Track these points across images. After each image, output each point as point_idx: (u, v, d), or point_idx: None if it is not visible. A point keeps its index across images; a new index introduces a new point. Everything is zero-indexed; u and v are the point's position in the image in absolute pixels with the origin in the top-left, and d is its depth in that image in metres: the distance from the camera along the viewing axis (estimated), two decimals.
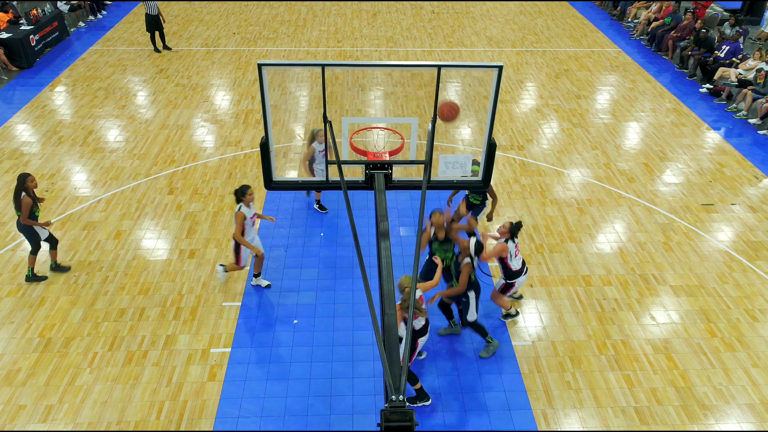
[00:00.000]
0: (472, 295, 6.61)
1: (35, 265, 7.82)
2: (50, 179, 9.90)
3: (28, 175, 7.37)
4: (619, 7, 18.84)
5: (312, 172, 8.65)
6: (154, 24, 14.86)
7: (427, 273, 7.09)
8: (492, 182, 9.96)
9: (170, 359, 6.77)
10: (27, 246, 8.39)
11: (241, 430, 6.04)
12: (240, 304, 7.55)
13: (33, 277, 7.82)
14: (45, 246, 7.87)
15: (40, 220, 7.86)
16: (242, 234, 7.15)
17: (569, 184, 10.14)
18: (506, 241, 6.72)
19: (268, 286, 7.79)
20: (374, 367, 6.76)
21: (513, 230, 6.70)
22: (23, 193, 7.34)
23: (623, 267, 8.33)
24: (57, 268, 7.99)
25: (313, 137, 8.51)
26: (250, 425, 6.08)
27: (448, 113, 5.24)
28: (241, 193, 7.07)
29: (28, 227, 7.54)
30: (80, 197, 9.48)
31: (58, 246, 8.10)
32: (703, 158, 11.04)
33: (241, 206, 7.09)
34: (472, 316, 6.67)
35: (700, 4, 16.51)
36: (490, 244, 6.91)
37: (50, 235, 7.85)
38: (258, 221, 8.05)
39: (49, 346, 6.89)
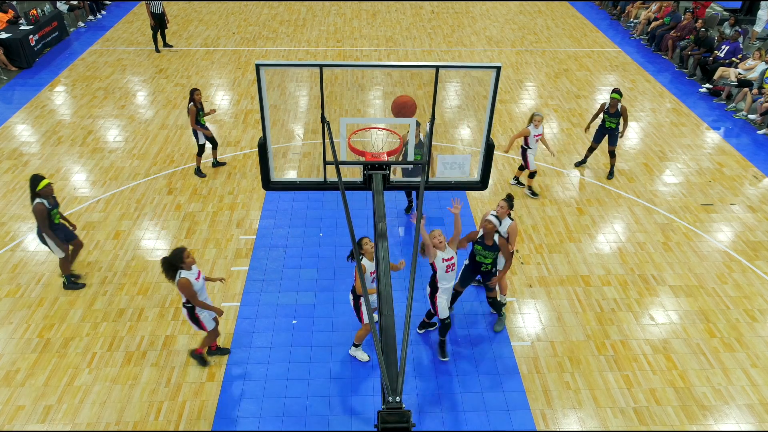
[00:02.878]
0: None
1: (200, 164, 10.03)
2: (49, 179, 9.87)
3: (197, 89, 9.27)
4: (618, 7, 18.83)
5: (524, 155, 9.24)
6: (159, 22, 14.86)
7: (468, 275, 7.07)
8: (493, 181, 10.01)
9: (169, 360, 6.77)
10: (26, 246, 8.42)
11: (239, 431, 6.04)
12: (239, 304, 7.55)
13: (199, 173, 10.03)
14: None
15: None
16: None
17: (569, 184, 10.14)
18: (511, 217, 7.06)
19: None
20: (373, 368, 6.76)
21: (512, 204, 7.11)
22: (191, 104, 9.29)
23: (622, 267, 8.33)
24: (217, 164, 10.25)
25: (530, 120, 9.00)
26: (248, 426, 6.08)
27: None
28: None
29: (195, 131, 9.52)
30: (79, 197, 9.48)
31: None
32: (703, 158, 11.03)
33: None
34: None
35: (700, 4, 16.49)
36: (489, 222, 6.69)
37: (211, 137, 9.79)
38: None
39: (48, 346, 6.89)
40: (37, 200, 6.91)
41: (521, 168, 9.81)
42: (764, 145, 11.51)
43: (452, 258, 6.35)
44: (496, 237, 6.66)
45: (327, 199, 9.54)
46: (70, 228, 7.48)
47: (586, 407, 6.36)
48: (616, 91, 9.56)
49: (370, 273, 6.11)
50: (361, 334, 6.70)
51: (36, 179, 6.91)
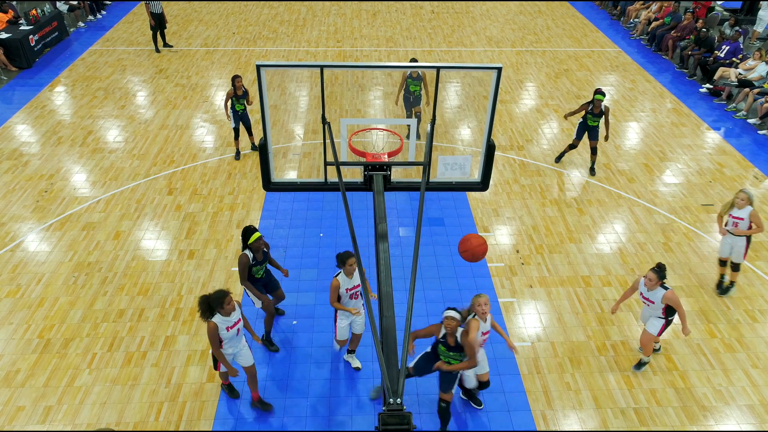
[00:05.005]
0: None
1: (239, 147, 10.71)
2: (49, 180, 9.90)
3: (238, 76, 9.94)
4: (619, 7, 18.83)
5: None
6: (158, 22, 14.86)
7: (423, 363, 5.84)
8: (493, 182, 10.00)
9: (169, 360, 6.77)
10: (26, 246, 8.41)
11: (239, 431, 6.04)
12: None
13: (236, 156, 10.69)
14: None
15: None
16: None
17: (569, 185, 10.13)
18: (665, 287, 6.16)
19: (357, 369, 6.81)
20: (374, 369, 6.76)
21: (663, 274, 6.09)
22: (231, 89, 10.04)
23: (623, 267, 8.32)
24: (255, 149, 10.71)
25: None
26: (248, 426, 6.07)
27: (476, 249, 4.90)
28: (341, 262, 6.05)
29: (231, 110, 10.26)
30: (79, 198, 9.48)
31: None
32: (703, 158, 11.03)
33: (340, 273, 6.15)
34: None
35: (701, 4, 16.49)
36: (451, 320, 5.43)
37: (240, 122, 10.36)
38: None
39: (48, 346, 6.89)
40: (245, 251, 6.44)
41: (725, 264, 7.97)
42: (765, 146, 11.50)
43: (487, 332, 5.73)
44: (458, 334, 5.43)
45: (327, 200, 9.54)
46: (281, 270, 6.98)
47: (587, 408, 6.36)
48: (599, 92, 9.76)
49: (346, 290, 6.07)
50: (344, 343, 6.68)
51: (249, 231, 6.40)
